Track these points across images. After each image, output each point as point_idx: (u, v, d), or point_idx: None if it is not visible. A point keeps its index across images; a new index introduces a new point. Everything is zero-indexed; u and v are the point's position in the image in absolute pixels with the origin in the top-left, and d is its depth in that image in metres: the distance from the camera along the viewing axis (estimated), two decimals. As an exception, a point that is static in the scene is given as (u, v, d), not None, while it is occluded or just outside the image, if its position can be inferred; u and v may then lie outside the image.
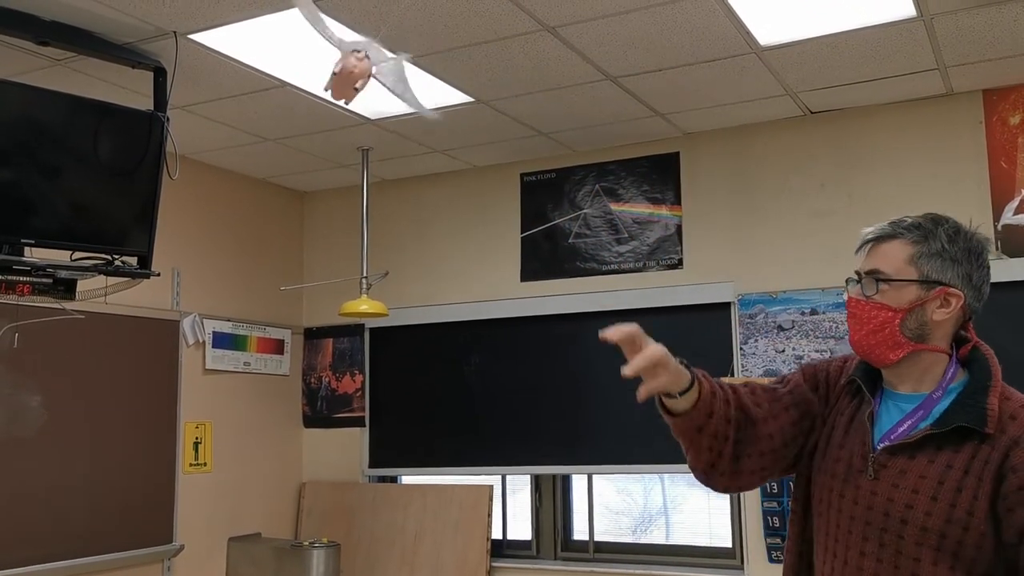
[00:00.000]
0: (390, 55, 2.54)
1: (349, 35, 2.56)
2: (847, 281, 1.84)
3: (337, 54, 2.42)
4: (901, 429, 1.76)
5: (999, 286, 3.79)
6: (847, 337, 1.85)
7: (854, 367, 1.90)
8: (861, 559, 1.73)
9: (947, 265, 1.74)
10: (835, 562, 1.77)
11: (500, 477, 5.02)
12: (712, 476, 1.84)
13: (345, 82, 2.41)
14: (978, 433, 1.66)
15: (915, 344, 1.75)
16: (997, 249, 3.87)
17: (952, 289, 1.74)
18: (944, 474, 1.67)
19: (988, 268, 1.81)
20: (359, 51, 2.38)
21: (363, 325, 5.27)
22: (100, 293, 3.53)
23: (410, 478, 5.23)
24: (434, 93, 3.86)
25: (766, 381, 2.01)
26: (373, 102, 3.98)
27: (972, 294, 1.77)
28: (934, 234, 1.76)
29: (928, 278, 1.74)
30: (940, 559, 1.65)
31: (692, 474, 1.87)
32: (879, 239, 1.80)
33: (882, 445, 1.76)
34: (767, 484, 4.13)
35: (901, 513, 1.69)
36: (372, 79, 2.46)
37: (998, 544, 1.64)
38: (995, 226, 3.90)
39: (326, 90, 2.47)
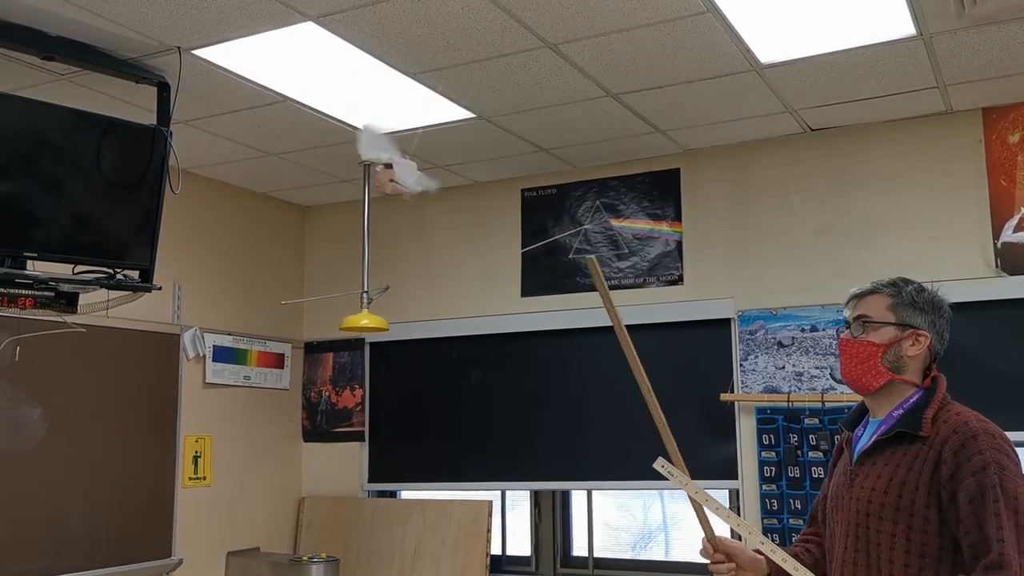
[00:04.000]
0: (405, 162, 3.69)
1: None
2: (838, 331, 2.33)
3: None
4: (864, 441, 2.19)
5: (999, 303, 3.84)
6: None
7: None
8: (844, 553, 2.12)
9: (916, 313, 2.17)
10: (832, 565, 2.19)
11: (499, 492, 5.01)
12: None
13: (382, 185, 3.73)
14: (919, 437, 2.05)
15: (892, 374, 2.14)
16: (997, 267, 3.88)
17: (921, 331, 2.15)
18: (893, 471, 2.05)
19: (948, 319, 2.21)
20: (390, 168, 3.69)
21: (363, 339, 5.27)
22: (102, 307, 3.54)
23: (409, 493, 5.22)
24: (436, 109, 3.89)
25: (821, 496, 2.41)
26: (374, 119, 4.01)
27: (936, 337, 2.18)
28: (905, 290, 2.19)
29: (903, 322, 2.15)
30: (896, 543, 2.00)
31: None
32: (863, 294, 2.23)
33: (855, 460, 2.19)
34: (767, 501, 4.14)
35: (865, 507, 2.08)
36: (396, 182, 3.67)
37: (942, 527, 1.97)
38: (995, 244, 3.91)
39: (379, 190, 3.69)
